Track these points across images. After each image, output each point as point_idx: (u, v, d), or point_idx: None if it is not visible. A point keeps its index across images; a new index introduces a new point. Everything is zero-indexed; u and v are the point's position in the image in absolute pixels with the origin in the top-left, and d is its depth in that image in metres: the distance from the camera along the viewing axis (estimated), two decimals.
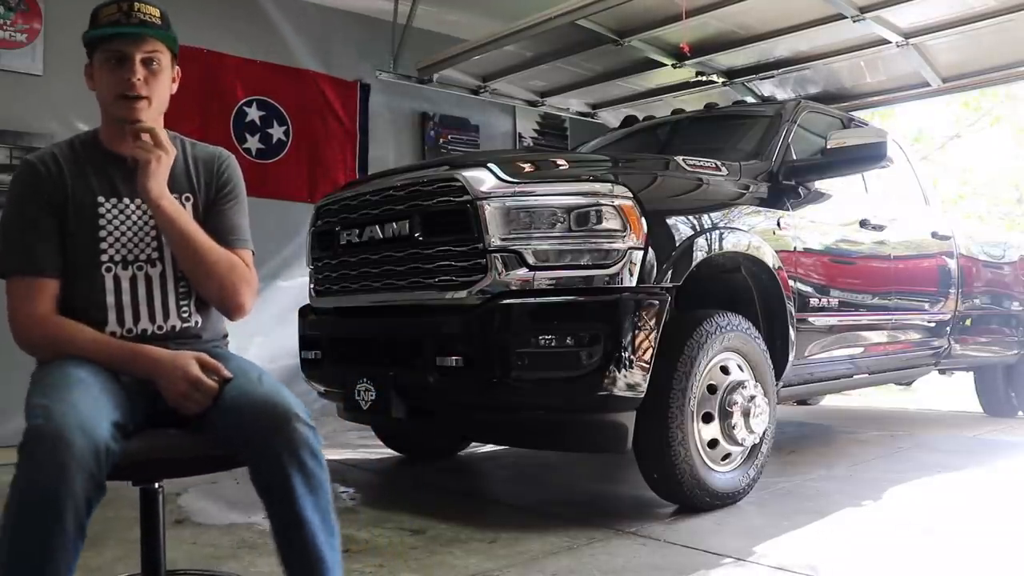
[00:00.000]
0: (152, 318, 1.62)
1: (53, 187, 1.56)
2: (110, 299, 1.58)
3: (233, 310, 1.67)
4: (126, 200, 1.61)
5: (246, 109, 5.20)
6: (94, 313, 1.56)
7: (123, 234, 1.60)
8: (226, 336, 1.79)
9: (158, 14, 1.58)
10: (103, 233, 1.59)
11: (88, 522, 1.25)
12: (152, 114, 1.60)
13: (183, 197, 1.67)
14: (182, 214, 1.61)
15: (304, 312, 3.41)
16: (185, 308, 1.66)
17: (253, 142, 5.22)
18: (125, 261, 1.60)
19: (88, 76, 1.63)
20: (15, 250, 1.55)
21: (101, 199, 1.59)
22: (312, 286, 3.35)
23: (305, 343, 3.33)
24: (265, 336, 4.84)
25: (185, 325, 1.66)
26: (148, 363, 1.49)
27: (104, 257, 1.58)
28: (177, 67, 1.66)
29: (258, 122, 5.25)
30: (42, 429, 1.24)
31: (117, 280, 1.59)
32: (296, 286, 4.91)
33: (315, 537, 1.38)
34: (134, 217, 1.62)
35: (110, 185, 1.60)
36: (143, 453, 1.41)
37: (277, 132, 5.33)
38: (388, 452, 3.83)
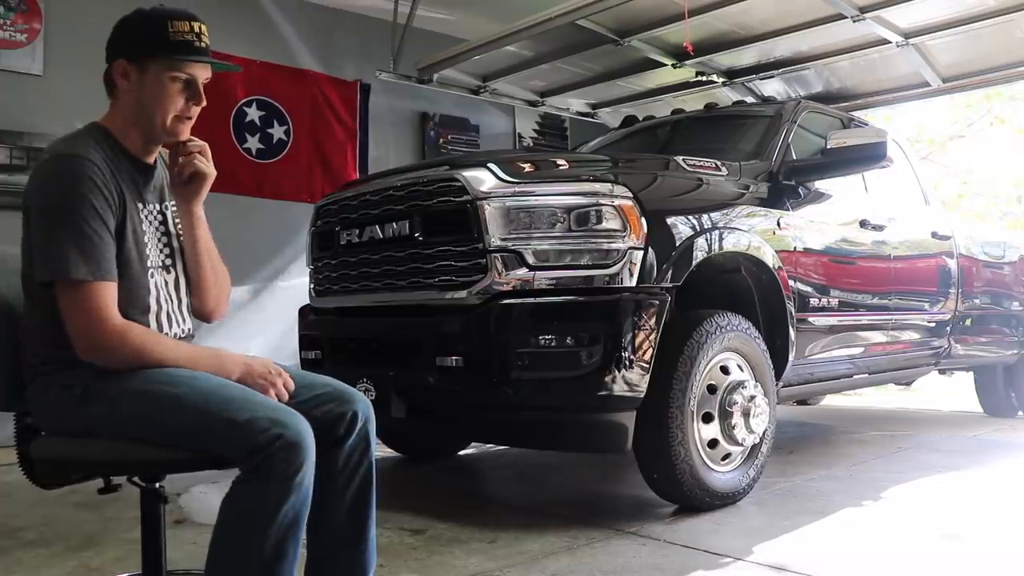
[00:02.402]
0: (179, 322, 1.65)
1: (114, 187, 1.50)
2: (153, 305, 1.58)
3: (218, 315, 1.76)
4: (151, 206, 1.62)
5: (246, 109, 5.20)
6: (137, 317, 1.54)
7: (151, 239, 1.61)
8: None
9: (207, 34, 1.59)
10: (146, 239, 1.58)
11: None
12: None
13: (165, 206, 1.68)
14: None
15: (304, 312, 3.41)
16: (190, 311, 1.71)
17: (253, 142, 5.22)
18: (156, 267, 1.61)
19: (122, 75, 1.54)
20: (90, 251, 1.43)
21: (138, 204, 1.59)
22: (312, 286, 3.35)
23: (305, 343, 3.32)
24: (265, 336, 4.84)
25: (191, 327, 1.71)
26: (241, 364, 1.52)
27: (149, 263, 1.58)
28: None
29: (258, 122, 5.25)
30: (291, 437, 1.31)
31: (156, 285, 1.60)
32: (296, 286, 4.92)
33: (374, 518, 1.59)
34: (156, 223, 1.63)
35: (137, 190, 1.59)
36: None
37: (277, 132, 5.33)
38: (388, 452, 3.83)
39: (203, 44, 1.55)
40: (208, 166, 1.64)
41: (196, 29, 1.54)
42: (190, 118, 1.59)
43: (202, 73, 1.57)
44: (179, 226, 1.69)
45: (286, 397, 1.50)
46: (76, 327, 1.44)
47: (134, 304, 1.54)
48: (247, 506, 1.32)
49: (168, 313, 1.61)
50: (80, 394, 1.46)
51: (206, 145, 1.65)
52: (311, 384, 1.58)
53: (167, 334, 1.60)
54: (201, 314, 1.73)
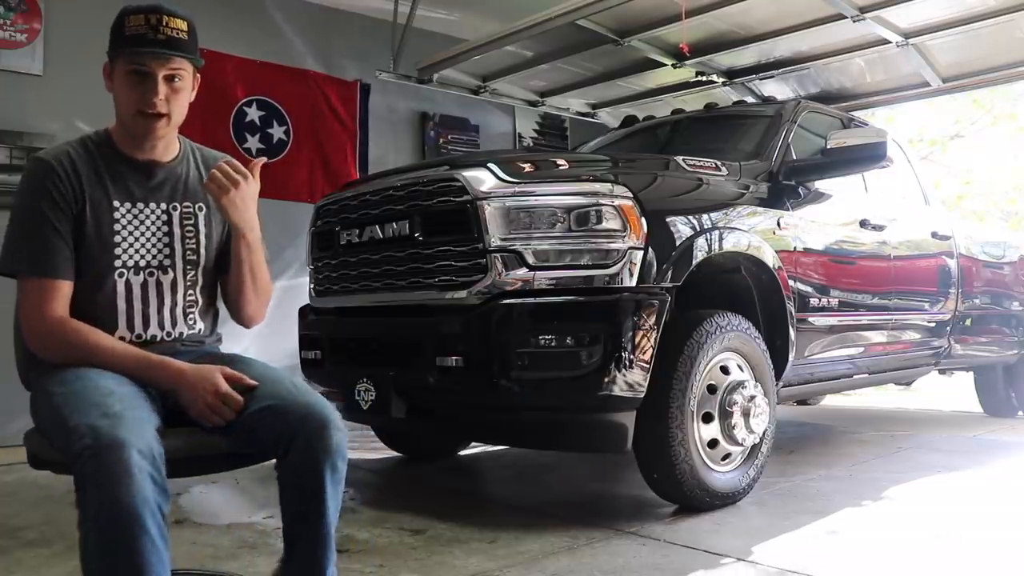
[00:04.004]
0: (161, 325, 1.63)
1: (71, 189, 1.53)
2: (121, 304, 1.57)
3: (256, 322, 1.76)
4: (140, 205, 1.60)
5: (246, 109, 5.19)
6: (104, 317, 1.55)
7: (136, 240, 1.59)
8: (220, 338, 1.82)
9: (185, 28, 1.54)
10: (118, 239, 1.57)
11: (167, 530, 1.26)
12: (170, 129, 1.61)
13: (196, 207, 1.68)
14: (260, 246, 1.68)
15: (304, 312, 3.41)
16: (191, 315, 1.68)
17: (253, 142, 5.22)
18: (137, 267, 1.59)
19: (107, 76, 1.59)
20: (33, 250, 1.50)
21: (116, 203, 1.58)
22: (312, 286, 3.35)
23: (305, 343, 3.33)
24: (264, 336, 4.83)
25: (191, 331, 1.68)
26: (172, 375, 1.48)
27: (118, 263, 1.57)
28: (198, 75, 1.63)
29: (258, 122, 5.25)
30: (100, 447, 1.23)
31: (129, 286, 1.58)
32: (296, 286, 4.91)
33: (330, 530, 1.46)
34: (148, 223, 1.61)
35: (125, 189, 1.59)
36: (179, 451, 1.41)
37: (277, 132, 5.33)
38: (388, 452, 3.83)
39: (161, 36, 1.50)
40: (219, 187, 1.57)
41: (152, 21, 1.50)
42: (159, 114, 1.54)
43: (158, 66, 1.52)
44: (186, 227, 1.66)
45: (229, 414, 1.46)
46: (22, 320, 1.53)
47: (95, 303, 1.56)
48: (81, 514, 1.26)
49: (146, 316, 1.60)
50: (34, 389, 1.55)
51: (223, 164, 1.60)
52: (265, 395, 1.50)
53: (140, 335, 1.59)
54: (238, 320, 1.76)
